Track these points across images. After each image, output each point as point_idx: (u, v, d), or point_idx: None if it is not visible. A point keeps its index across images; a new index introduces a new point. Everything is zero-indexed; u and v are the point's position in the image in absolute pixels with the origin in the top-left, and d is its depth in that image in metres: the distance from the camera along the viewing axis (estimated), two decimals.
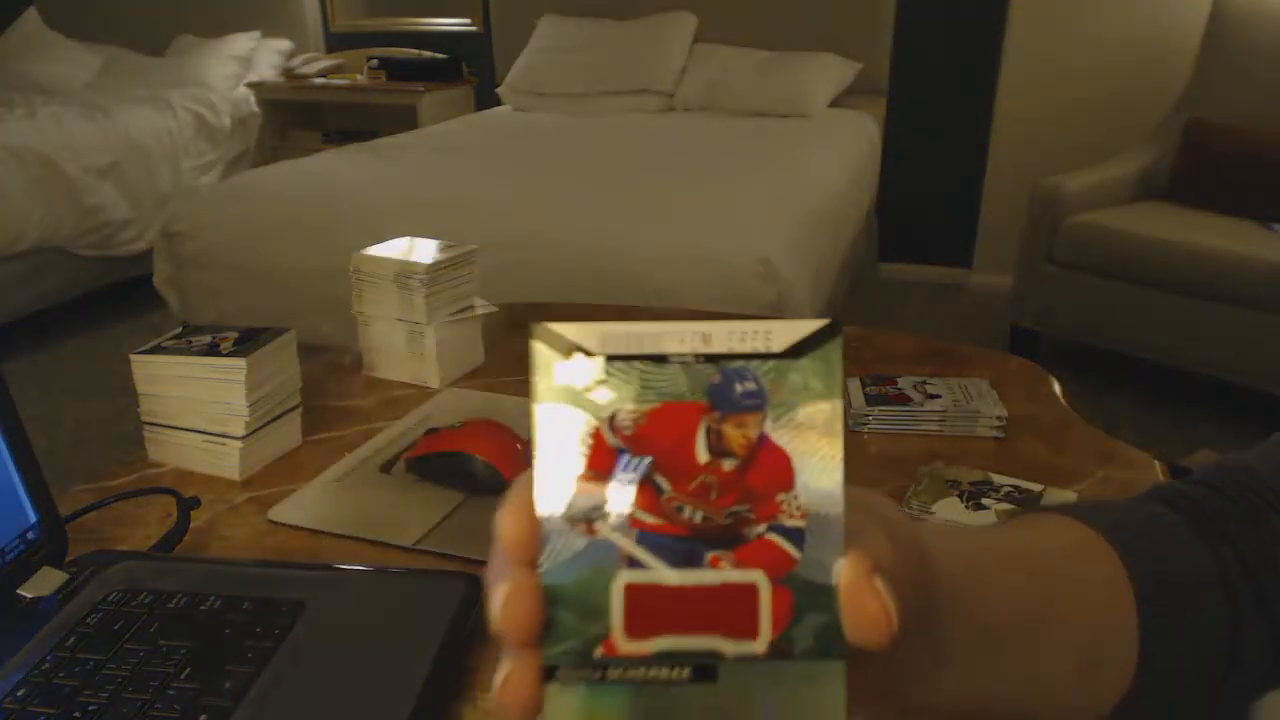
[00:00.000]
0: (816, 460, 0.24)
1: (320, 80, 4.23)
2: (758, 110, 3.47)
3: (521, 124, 3.56)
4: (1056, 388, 0.97)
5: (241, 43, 4.28)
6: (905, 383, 0.93)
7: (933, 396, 0.90)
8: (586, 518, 0.24)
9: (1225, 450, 0.47)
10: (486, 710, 0.54)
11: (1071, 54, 3.42)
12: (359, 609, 0.59)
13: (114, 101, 3.73)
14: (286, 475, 0.81)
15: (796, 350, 0.24)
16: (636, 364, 0.24)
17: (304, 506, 0.76)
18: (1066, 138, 3.45)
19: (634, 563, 0.24)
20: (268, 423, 0.82)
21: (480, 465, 0.76)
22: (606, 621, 0.24)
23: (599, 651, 0.24)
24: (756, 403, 0.24)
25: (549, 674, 0.24)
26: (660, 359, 0.24)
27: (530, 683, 0.24)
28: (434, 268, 0.95)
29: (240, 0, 4.46)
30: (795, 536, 0.24)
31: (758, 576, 0.24)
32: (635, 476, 0.24)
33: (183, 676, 0.52)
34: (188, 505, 0.73)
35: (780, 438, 0.24)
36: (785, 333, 0.24)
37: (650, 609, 0.24)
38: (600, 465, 0.24)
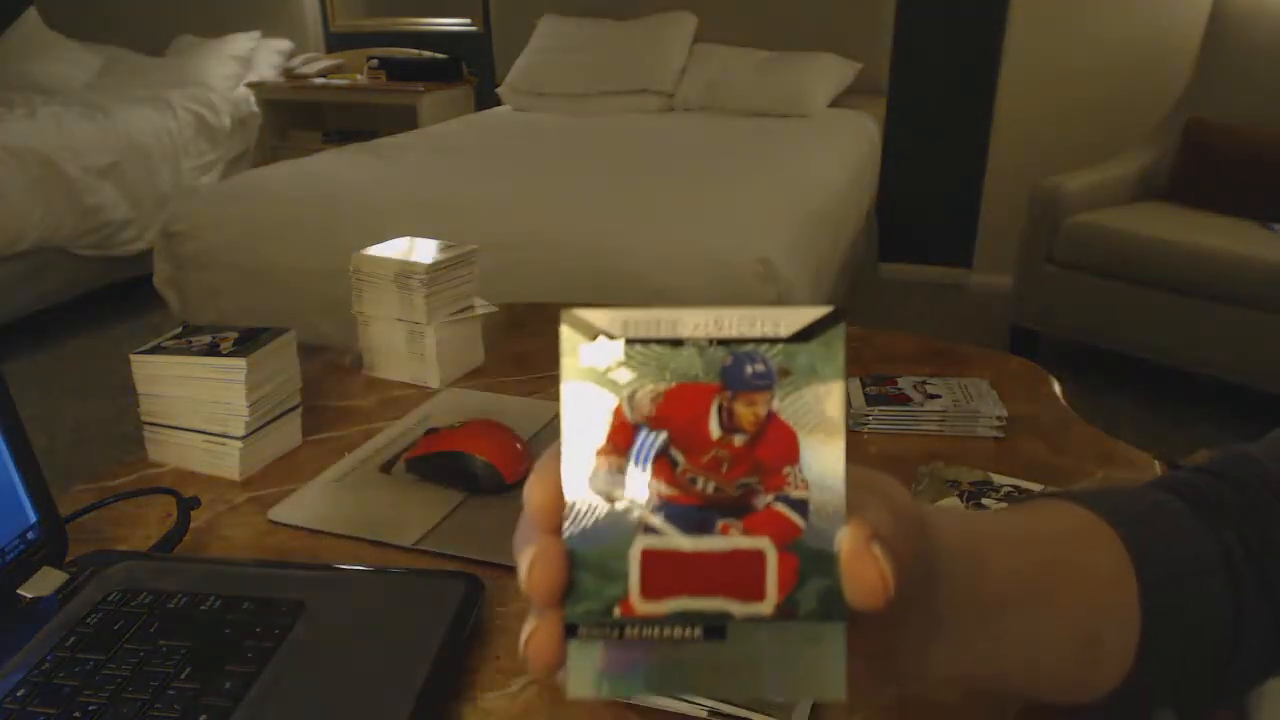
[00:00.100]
0: (820, 436, 0.26)
1: (320, 80, 4.23)
2: (758, 110, 3.47)
3: (521, 124, 3.56)
4: (1056, 388, 0.97)
5: (241, 43, 4.28)
6: (905, 383, 0.93)
7: (933, 396, 0.90)
8: (608, 488, 0.26)
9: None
10: (486, 710, 0.54)
11: (1071, 54, 3.42)
12: (359, 609, 0.59)
13: (114, 101, 3.73)
14: (286, 475, 0.81)
15: (802, 335, 0.26)
16: (655, 347, 0.26)
17: (304, 506, 0.76)
18: (1066, 138, 3.45)
19: (651, 530, 0.26)
20: (268, 423, 0.82)
21: (480, 465, 0.76)
22: (625, 584, 0.26)
23: (617, 611, 0.26)
24: (765, 383, 0.26)
25: (571, 632, 0.26)
26: (676, 342, 0.26)
27: (553, 640, 0.26)
28: (434, 268, 0.95)
29: (240, 0, 4.46)
30: (800, 506, 0.26)
31: (765, 543, 0.26)
32: (653, 450, 0.26)
33: (183, 676, 0.52)
34: (188, 505, 0.73)
35: (787, 415, 0.26)
36: (792, 319, 0.26)
37: (665, 572, 0.26)
38: (620, 440, 0.26)
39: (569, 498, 0.26)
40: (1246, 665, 0.40)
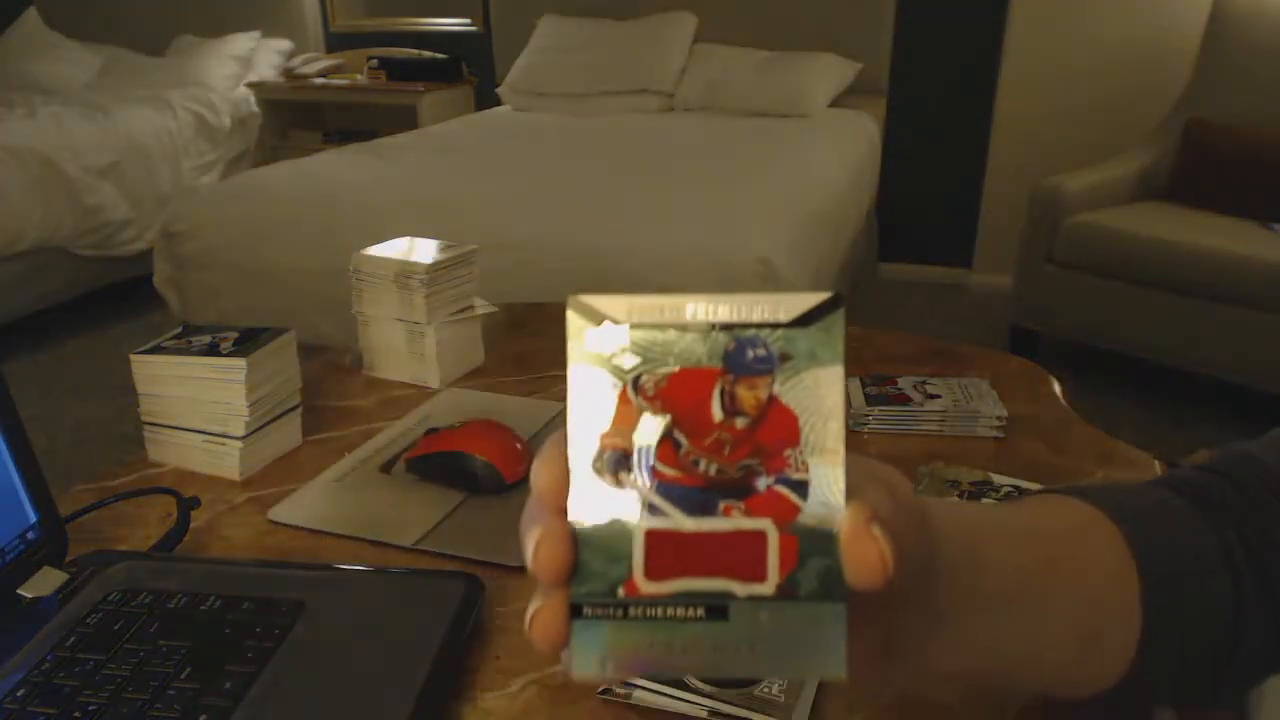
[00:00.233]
0: (820, 419, 0.26)
1: (320, 80, 4.23)
2: (758, 110, 3.47)
3: (521, 124, 3.56)
4: (1056, 388, 0.97)
5: (241, 43, 4.28)
6: (905, 383, 0.93)
7: (933, 396, 0.90)
8: (613, 470, 0.26)
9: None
10: (486, 710, 0.54)
11: (1071, 54, 3.42)
12: (359, 609, 0.59)
13: (114, 101, 3.73)
14: (286, 475, 0.81)
15: (803, 320, 0.26)
16: (659, 332, 0.27)
17: (304, 506, 0.76)
18: (1066, 138, 3.45)
19: (654, 511, 0.26)
20: (268, 423, 0.82)
21: (480, 465, 0.76)
22: (629, 564, 0.26)
23: (621, 591, 0.26)
24: (766, 367, 0.26)
25: (575, 611, 0.26)
26: (680, 328, 0.27)
27: (558, 619, 0.26)
28: (434, 268, 0.95)
29: (240, 0, 4.46)
30: (801, 488, 0.26)
31: (766, 524, 0.26)
32: (656, 433, 0.27)
33: (183, 676, 0.52)
34: (188, 505, 0.73)
35: (788, 398, 0.26)
36: (793, 304, 0.27)
37: (668, 553, 0.26)
38: (625, 423, 0.27)
39: (574, 479, 0.26)
40: (1246, 664, 0.40)
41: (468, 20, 4.34)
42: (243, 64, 4.27)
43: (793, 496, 0.26)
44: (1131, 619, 0.38)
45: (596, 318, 0.27)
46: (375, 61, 4.20)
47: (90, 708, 0.50)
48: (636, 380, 0.27)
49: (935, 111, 3.69)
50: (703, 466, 0.26)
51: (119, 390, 2.51)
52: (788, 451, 0.26)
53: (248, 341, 0.81)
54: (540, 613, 0.26)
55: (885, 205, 3.76)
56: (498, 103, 4.03)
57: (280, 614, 0.57)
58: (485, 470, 0.76)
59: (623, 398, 0.27)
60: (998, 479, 0.77)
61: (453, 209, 2.26)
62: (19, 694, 0.51)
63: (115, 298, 3.51)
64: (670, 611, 0.26)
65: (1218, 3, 3.03)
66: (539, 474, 0.27)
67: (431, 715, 0.51)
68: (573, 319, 0.27)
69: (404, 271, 0.95)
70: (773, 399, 0.26)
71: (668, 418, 0.27)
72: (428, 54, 4.26)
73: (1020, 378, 0.99)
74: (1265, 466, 0.43)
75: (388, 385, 0.99)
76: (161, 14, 4.53)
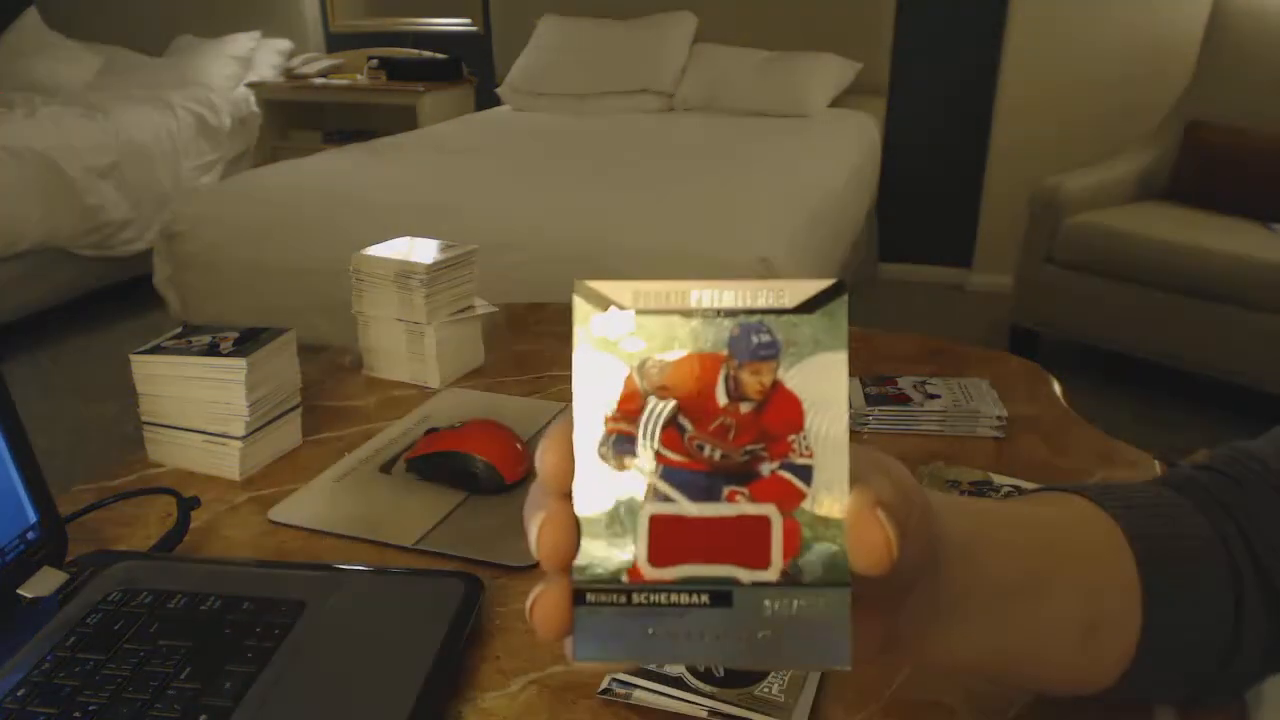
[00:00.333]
0: (824, 405, 0.26)
1: (320, 80, 4.23)
2: (758, 110, 3.48)
3: (521, 124, 3.56)
4: (1056, 388, 0.97)
5: (241, 43, 4.28)
6: (905, 383, 0.93)
7: (933, 396, 0.90)
8: (617, 454, 0.26)
9: None
10: (486, 710, 0.54)
11: (1072, 54, 3.42)
12: (359, 609, 0.59)
13: (114, 101, 3.73)
14: (286, 475, 0.81)
15: (807, 306, 0.26)
16: (664, 318, 0.27)
17: (304, 506, 0.76)
18: (1066, 138, 3.45)
19: (659, 496, 0.26)
20: (268, 423, 0.82)
21: (480, 465, 0.76)
22: (633, 549, 0.26)
23: (625, 577, 0.26)
24: (771, 352, 0.26)
25: (579, 597, 0.26)
26: (685, 313, 0.27)
27: (561, 605, 0.26)
28: (434, 268, 0.95)
29: (240, 0, 4.46)
30: (805, 473, 0.26)
31: (770, 510, 0.26)
32: (661, 418, 0.27)
33: (183, 676, 0.52)
34: (188, 505, 0.72)
35: (792, 384, 0.26)
36: (797, 290, 0.27)
37: (673, 539, 0.26)
38: (630, 408, 0.27)
39: (579, 463, 0.26)
40: (1246, 663, 0.40)
41: (468, 20, 4.34)
42: (243, 64, 4.27)
43: (797, 482, 0.26)
44: (1131, 610, 0.38)
45: (603, 303, 0.27)
46: (375, 61, 4.20)
47: (90, 708, 0.50)
48: (642, 365, 0.27)
49: (935, 111, 3.70)
50: (707, 451, 0.26)
51: (119, 390, 2.50)
52: (792, 437, 0.26)
53: (248, 341, 0.81)
54: (542, 598, 0.26)
55: (885, 205, 3.76)
56: (498, 103, 4.03)
57: (280, 614, 0.57)
58: (485, 470, 0.76)
59: (628, 382, 0.27)
60: (998, 479, 0.77)
61: (453, 209, 2.26)
62: (19, 694, 0.51)
63: (115, 298, 3.51)
64: (673, 598, 0.26)
65: (1218, 3, 3.03)
66: (544, 458, 0.27)
67: (431, 715, 0.51)
68: (579, 304, 0.27)
69: (404, 271, 0.95)
70: (777, 384, 0.26)
71: (673, 403, 0.27)
72: (428, 54, 4.27)
73: (1020, 378, 0.99)
74: (1265, 464, 0.43)
75: (388, 385, 0.99)
76: (161, 14, 4.53)
